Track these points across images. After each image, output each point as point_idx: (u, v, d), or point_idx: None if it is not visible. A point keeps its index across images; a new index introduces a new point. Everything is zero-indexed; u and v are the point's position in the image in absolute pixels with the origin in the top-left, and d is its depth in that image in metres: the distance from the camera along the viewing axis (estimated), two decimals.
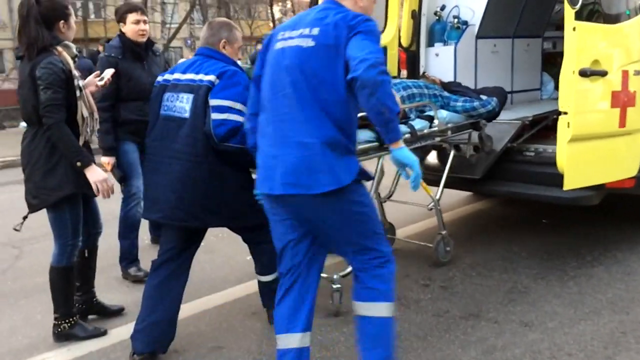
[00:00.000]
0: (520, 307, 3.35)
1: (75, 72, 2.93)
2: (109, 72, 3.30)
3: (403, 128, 3.58)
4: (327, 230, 2.33)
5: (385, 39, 4.72)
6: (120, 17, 3.96)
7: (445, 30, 5.12)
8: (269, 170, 2.30)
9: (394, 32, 4.79)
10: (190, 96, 2.79)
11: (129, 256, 4.00)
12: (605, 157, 3.42)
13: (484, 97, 4.15)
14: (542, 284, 3.67)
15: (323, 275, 3.62)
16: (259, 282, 3.18)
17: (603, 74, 3.22)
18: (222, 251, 4.49)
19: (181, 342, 3.05)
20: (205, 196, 2.78)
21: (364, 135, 3.23)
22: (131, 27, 3.90)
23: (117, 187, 3.41)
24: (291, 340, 2.38)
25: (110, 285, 3.92)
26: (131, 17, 3.92)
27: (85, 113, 2.95)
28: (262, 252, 3.07)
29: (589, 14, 3.44)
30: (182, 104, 2.82)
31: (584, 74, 3.10)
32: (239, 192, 2.83)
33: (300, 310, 2.39)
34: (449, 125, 3.93)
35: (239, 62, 3.07)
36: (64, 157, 2.89)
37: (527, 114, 4.59)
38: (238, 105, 2.73)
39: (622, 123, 3.41)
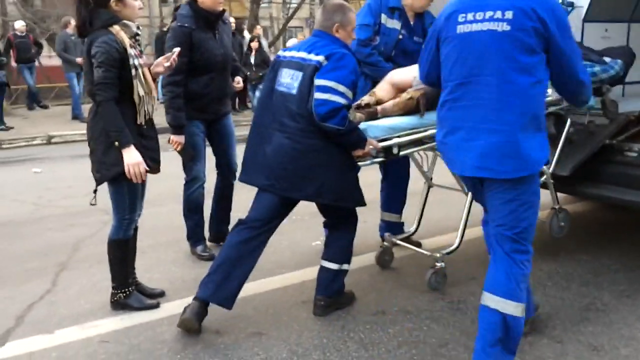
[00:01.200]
0: (593, 327, 2.99)
1: (132, 51, 2.93)
2: (175, 52, 3.20)
3: None
4: None
5: None
6: None
7: None
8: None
9: None
10: (300, 74, 2.92)
11: (194, 235, 4.02)
12: None
13: (607, 59, 3.73)
14: (626, 303, 3.24)
15: (425, 252, 3.63)
16: (322, 268, 3.18)
17: None
18: (288, 235, 4.45)
19: (224, 324, 3.05)
20: (308, 169, 2.90)
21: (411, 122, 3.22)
22: None
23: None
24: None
25: (177, 259, 4.03)
26: None
27: (142, 92, 2.96)
28: (339, 239, 3.15)
29: None
30: (291, 81, 2.95)
31: None
32: (342, 170, 2.96)
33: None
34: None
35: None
36: None
37: (636, 107, 4.04)
38: (341, 88, 2.84)
39: None
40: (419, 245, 4.03)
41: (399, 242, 3.85)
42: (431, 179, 3.95)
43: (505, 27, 2.31)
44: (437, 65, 2.60)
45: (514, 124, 2.33)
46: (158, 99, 3.87)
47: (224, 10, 3.83)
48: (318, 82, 2.85)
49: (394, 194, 4.11)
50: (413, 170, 4.04)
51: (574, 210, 4.97)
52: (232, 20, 11.48)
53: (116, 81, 2.89)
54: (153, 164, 3.09)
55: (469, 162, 2.44)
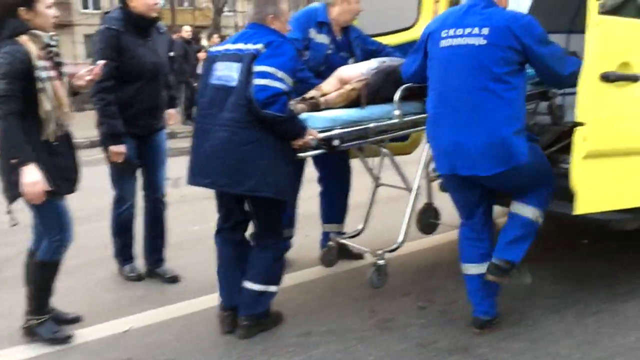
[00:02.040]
0: (519, 344, 2.93)
1: (41, 63, 2.74)
2: (99, 64, 3.04)
3: None
4: None
5: (417, 32, 4.29)
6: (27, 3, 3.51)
7: None
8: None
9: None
10: (238, 65, 2.86)
11: (121, 255, 3.83)
12: (634, 177, 2.88)
13: None
14: (555, 318, 3.19)
15: (366, 249, 3.60)
16: (244, 288, 3.03)
17: (635, 79, 2.69)
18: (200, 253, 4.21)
19: (139, 351, 2.90)
20: (248, 162, 2.83)
21: (412, 107, 3.32)
22: (144, 1, 3.47)
23: None
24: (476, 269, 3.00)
25: (102, 280, 3.86)
26: None
27: (48, 107, 2.76)
28: (263, 258, 3.04)
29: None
30: (230, 73, 2.88)
31: (606, 78, 2.60)
32: (281, 162, 2.90)
33: None
34: None
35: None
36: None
37: (572, 118, 4.04)
38: (280, 73, 2.79)
39: None
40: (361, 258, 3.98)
41: (344, 241, 3.79)
42: (378, 178, 3.87)
43: (482, 41, 2.69)
44: (422, 70, 3.04)
45: (494, 124, 2.67)
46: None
47: (157, 18, 3.66)
48: (257, 68, 2.80)
49: (334, 204, 4.02)
50: (358, 182, 3.98)
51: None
52: (187, 29, 11.53)
53: (19, 94, 2.71)
54: (66, 183, 2.91)
55: (459, 163, 2.79)
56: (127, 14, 3.49)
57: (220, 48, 3.06)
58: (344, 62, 3.70)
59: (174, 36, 12.01)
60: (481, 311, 3.05)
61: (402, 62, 3.50)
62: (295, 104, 3.09)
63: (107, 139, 3.49)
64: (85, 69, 2.99)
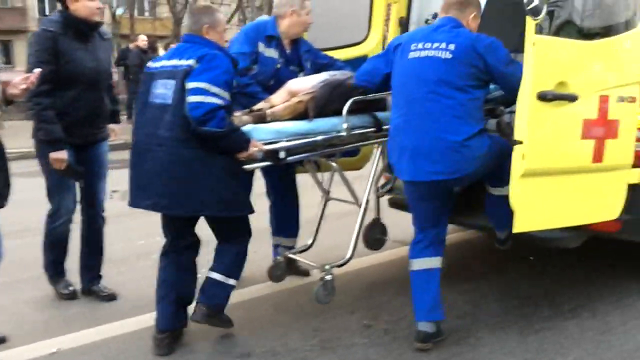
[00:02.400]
0: None
1: None
2: (35, 72, 2.85)
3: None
4: None
5: (368, 47, 4.35)
6: None
7: None
8: None
9: (378, 40, 4.39)
10: (173, 82, 2.81)
11: (53, 271, 3.63)
12: (573, 196, 2.90)
13: None
14: (499, 336, 3.18)
15: (313, 264, 3.51)
16: (207, 278, 3.07)
17: (571, 98, 2.71)
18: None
19: None
20: (189, 182, 2.77)
21: (361, 120, 3.30)
22: (86, 4, 3.33)
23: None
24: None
25: (34, 299, 3.67)
26: None
27: None
28: (227, 251, 3.05)
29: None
30: (165, 91, 2.83)
31: (543, 97, 2.61)
32: (225, 178, 2.84)
33: None
34: None
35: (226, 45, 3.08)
36: None
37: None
38: (214, 89, 2.74)
39: (598, 157, 2.88)
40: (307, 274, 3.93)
41: (292, 256, 3.71)
42: (328, 192, 3.81)
43: (448, 55, 2.83)
44: (377, 72, 3.24)
45: (454, 129, 2.77)
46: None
47: (100, 23, 3.50)
48: (189, 85, 2.75)
49: (284, 217, 3.94)
50: (309, 197, 3.91)
51: (455, 239, 4.84)
52: (143, 38, 11.35)
53: None
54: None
55: (423, 168, 2.87)
56: (67, 18, 3.34)
57: (157, 64, 2.99)
58: (294, 76, 3.66)
59: (131, 45, 11.85)
60: (424, 316, 3.03)
61: (352, 76, 3.50)
62: (240, 116, 3.06)
63: (46, 146, 3.30)
64: (20, 77, 2.82)
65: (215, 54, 2.85)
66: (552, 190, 2.81)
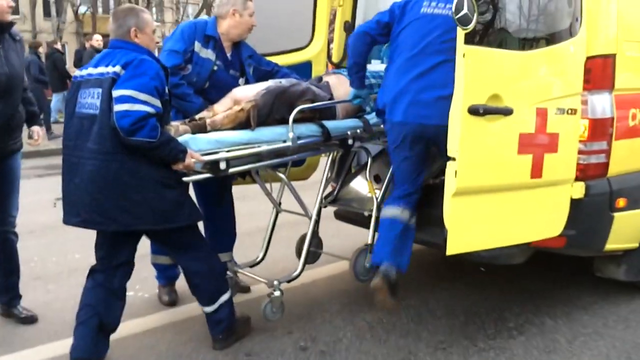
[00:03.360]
0: None
1: None
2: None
3: (354, 122, 3.46)
4: None
5: (311, 53, 4.19)
6: None
7: (384, 45, 4.52)
8: None
9: (322, 45, 4.24)
10: (100, 90, 2.67)
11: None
12: (512, 213, 2.77)
13: None
14: (440, 357, 3.05)
15: (261, 279, 3.35)
16: (205, 314, 3.04)
17: (506, 112, 2.58)
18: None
19: None
20: (120, 196, 2.64)
21: (308, 129, 3.22)
22: None
23: None
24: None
25: None
26: None
27: None
28: (197, 280, 2.97)
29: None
30: (93, 100, 2.69)
31: (475, 111, 2.47)
32: (161, 189, 2.70)
33: None
34: None
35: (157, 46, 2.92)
36: None
37: None
38: (142, 96, 2.59)
39: (537, 173, 2.75)
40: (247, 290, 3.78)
41: (241, 270, 3.55)
42: (280, 204, 3.66)
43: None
44: (384, 19, 3.27)
45: (449, 85, 2.61)
46: None
47: (11, 23, 3.20)
48: (115, 93, 2.60)
49: (218, 232, 3.74)
50: (246, 207, 3.74)
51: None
52: (98, 37, 10.95)
53: None
54: None
55: (416, 113, 2.97)
56: None
57: (84, 72, 2.82)
58: (232, 81, 3.49)
59: (86, 44, 11.51)
60: (386, 257, 3.14)
61: (298, 83, 3.35)
62: (177, 125, 2.90)
63: None
64: None
65: (143, 59, 2.70)
66: (488, 208, 2.67)
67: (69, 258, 4.48)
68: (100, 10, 26.38)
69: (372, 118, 3.53)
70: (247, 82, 3.56)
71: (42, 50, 11.45)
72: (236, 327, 3.12)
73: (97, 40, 10.62)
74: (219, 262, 3.17)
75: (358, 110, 3.63)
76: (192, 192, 3.32)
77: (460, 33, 2.41)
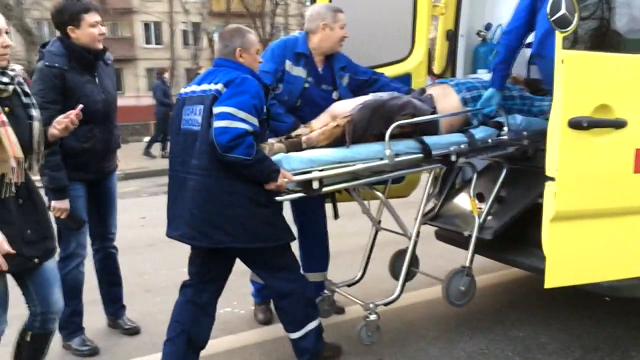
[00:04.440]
0: None
1: None
2: (78, 107, 2.54)
3: (458, 137, 3.21)
4: None
5: (410, 65, 4.02)
6: (72, 18, 3.09)
7: (491, 53, 4.22)
8: None
9: (422, 56, 4.04)
10: (202, 107, 2.71)
11: (69, 326, 3.30)
12: (628, 241, 2.39)
13: None
14: None
15: (358, 301, 3.25)
16: (290, 340, 2.97)
17: (617, 125, 2.24)
18: None
19: None
20: (214, 212, 2.66)
21: (406, 146, 3.06)
22: (89, 32, 3.10)
23: None
24: None
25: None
26: (89, 18, 3.10)
27: None
28: (286, 305, 2.91)
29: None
30: (195, 117, 2.73)
31: (577, 125, 2.17)
32: (253, 207, 2.69)
33: None
34: (525, 132, 3.26)
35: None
36: None
37: None
38: (241, 114, 2.61)
39: None
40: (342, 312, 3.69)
41: (337, 290, 3.47)
42: (379, 222, 3.54)
43: None
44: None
45: None
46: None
47: (105, 49, 3.26)
48: (216, 110, 2.63)
49: (313, 251, 3.67)
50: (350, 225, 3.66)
51: (517, 276, 4.31)
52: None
53: None
54: (9, 258, 2.25)
55: None
56: (69, 48, 3.11)
57: (188, 89, 2.88)
58: (326, 96, 3.42)
59: None
60: None
61: (398, 96, 3.22)
62: (272, 144, 2.89)
63: (50, 193, 3.08)
64: (62, 115, 2.52)
65: (245, 77, 2.72)
66: (597, 235, 2.33)
67: (179, 271, 4.65)
68: None
69: (478, 132, 3.28)
70: (340, 95, 3.48)
71: (167, 76, 12.29)
72: (323, 353, 3.01)
73: None
74: (311, 287, 3.08)
75: (464, 124, 3.39)
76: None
77: (559, 36, 2.13)
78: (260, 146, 2.74)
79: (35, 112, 2.41)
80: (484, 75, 4.08)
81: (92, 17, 3.12)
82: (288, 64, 3.38)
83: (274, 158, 2.78)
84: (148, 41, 30.45)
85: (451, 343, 3.29)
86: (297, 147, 2.95)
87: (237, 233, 2.68)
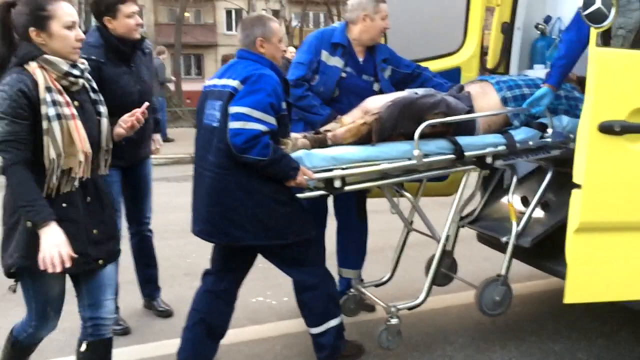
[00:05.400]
0: None
1: (51, 96, 2.12)
2: (144, 105, 2.51)
3: (495, 138, 3.05)
4: None
5: (461, 58, 3.85)
6: (108, 8, 3.10)
7: (549, 47, 3.97)
8: None
9: (474, 50, 3.86)
10: (220, 103, 2.67)
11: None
12: None
13: None
14: None
15: (381, 303, 3.18)
16: (310, 334, 2.94)
17: None
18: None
19: None
20: (233, 210, 2.65)
21: (437, 146, 2.94)
22: (125, 22, 3.11)
23: None
24: None
25: None
26: (125, 8, 3.10)
27: (53, 154, 2.12)
28: (309, 300, 2.87)
29: None
30: (214, 112, 2.70)
31: (608, 129, 1.98)
32: (272, 205, 2.67)
33: None
34: (571, 135, 2.99)
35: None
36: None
37: None
38: (256, 113, 2.57)
39: None
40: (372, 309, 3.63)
41: (362, 290, 3.41)
42: (411, 222, 3.45)
43: None
44: None
45: None
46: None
47: (142, 39, 3.26)
48: (231, 109, 2.60)
49: (348, 246, 3.62)
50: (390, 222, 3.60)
51: (550, 286, 3.99)
52: (292, 50, 11.46)
53: (26, 137, 2.10)
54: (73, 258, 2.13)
55: None
56: (107, 39, 3.13)
57: (210, 83, 2.84)
58: (366, 86, 3.35)
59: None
60: None
61: (432, 94, 3.09)
62: (297, 139, 2.85)
63: None
64: (128, 114, 2.47)
65: (261, 74, 2.64)
66: (628, 250, 2.13)
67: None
68: (311, 24, 28.20)
69: (518, 134, 3.09)
70: (381, 87, 3.38)
71: (163, 57, 12.25)
72: (343, 351, 2.96)
73: (290, 52, 11.19)
74: (334, 284, 3.02)
75: (504, 125, 3.19)
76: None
77: (592, 32, 1.95)
78: (283, 141, 2.70)
79: (103, 109, 2.35)
80: (541, 71, 3.83)
81: (129, 8, 3.13)
82: (324, 55, 3.33)
83: (296, 155, 2.73)
84: (229, 28, 31.19)
85: (479, 351, 3.16)
86: (322, 143, 2.88)
87: (255, 230, 2.66)
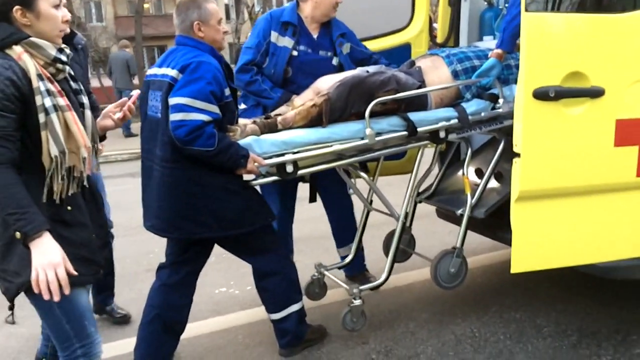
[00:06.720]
0: None
1: (44, 85, 1.82)
2: (133, 95, 2.31)
3: (447, 112, 3.02)
4: None
5: (410, 34, 3.82)
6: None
7: (497, 18, 3.95)
8: None
9: (422, 25, 3.82)
10: (160, 94, 2.58)
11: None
12: (609, 221, 2.18)
13: None
14: None
15: (344, 285, 3.18)
16: (271, 320, 2.93)
17: (593, 94, 2.02)
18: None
19: None
20: (183, 204, 2.58)
21: (389, 124, 2.90)
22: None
23: None
24: None
25: None
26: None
27: (55, 151, 1.82)
28: (269, 287, 2.85)
29: None
30: (157, 103, 2.60)
31: (543, 95, 1.97)
32: (225, 196, 2.61)
33: None
34: None
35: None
36: None
37: None
38: (198, 103, 2.47)
39: None
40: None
41: (325, 272, 3.36)
42: (371, 202, 3.41)
43: None
44: None
45: None
46: None
47: (72, 34, 2.99)
48: (171, 101, 2.49)
49: (342, 225, 3.65)
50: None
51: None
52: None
53: (13, 133, 1.78)
54: (85, 268, 1.88)
55: None
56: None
57: (151, 72, 2.73)
58: (323, 62, 3.30)
59: None
60: None
61: (381, 72, 3.03)
62: (245, 125, 2.77)
63: None
64: (114, 104, 2.24)
65: (200, 62, 2.53)
66: (572, 215, 2.13)
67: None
68: (275, 8, 27.98)
69: (470, 106, 3.08)
70: (340, 62, 3.34)
71: (129, 50, 12.31)
72: (305, 336, 2.96)
73: None
74: (293, 268, 2.97)
75: (456, 98, 3.17)
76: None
77: None
78: (231, 129, 2.63)
79: (85, 100, 2.03)
80: (490, 42, 3.83)
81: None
82: (274, 36, 3.26)
83: (245, 141, 2.65)
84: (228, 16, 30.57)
85: (441, 325, 3.17)
86: (272, 128, 2.81)
87: (209, 223, 2.60)
